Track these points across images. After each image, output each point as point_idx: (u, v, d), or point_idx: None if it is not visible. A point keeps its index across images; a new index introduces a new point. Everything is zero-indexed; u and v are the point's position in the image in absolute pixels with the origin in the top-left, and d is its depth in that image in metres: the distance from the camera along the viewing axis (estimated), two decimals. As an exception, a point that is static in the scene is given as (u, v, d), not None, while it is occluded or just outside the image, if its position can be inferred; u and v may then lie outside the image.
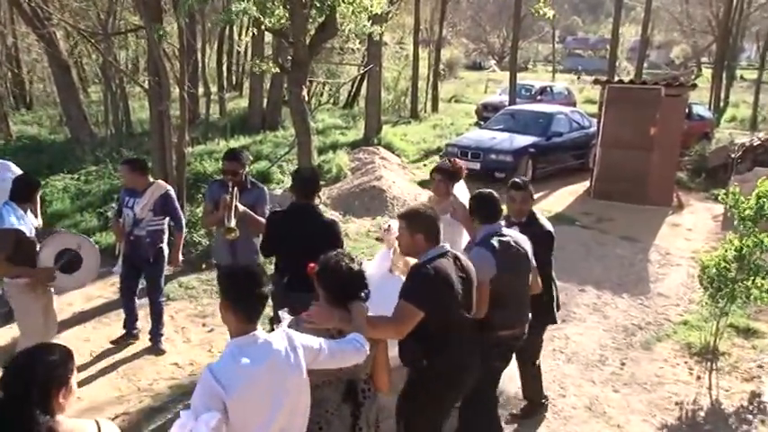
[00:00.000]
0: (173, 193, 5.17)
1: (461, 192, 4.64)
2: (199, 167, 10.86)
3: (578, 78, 36.31)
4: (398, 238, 3.26)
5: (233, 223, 4.28)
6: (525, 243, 3.67)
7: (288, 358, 2.31)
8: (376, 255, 4.51)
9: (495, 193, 3.71)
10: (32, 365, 1.83)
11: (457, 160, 4.72)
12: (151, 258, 5.13)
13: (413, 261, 3.19)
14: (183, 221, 5.38)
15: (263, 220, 4.43)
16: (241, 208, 4.43)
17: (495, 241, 3.48)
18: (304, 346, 2.38)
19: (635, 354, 5.46)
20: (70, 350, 1.96)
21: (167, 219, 5.16)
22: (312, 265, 2.74)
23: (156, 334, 5.35)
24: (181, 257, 5.44)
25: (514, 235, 3.66)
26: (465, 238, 4.20)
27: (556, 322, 4.43)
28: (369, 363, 2.72)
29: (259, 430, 2.25)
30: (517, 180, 4.15)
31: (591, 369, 5.18)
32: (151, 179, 5.15)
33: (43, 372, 1.83)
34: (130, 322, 5.42)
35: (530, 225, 4.02)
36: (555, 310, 4.30)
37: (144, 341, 5.39)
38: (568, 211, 10.15)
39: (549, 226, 4.15)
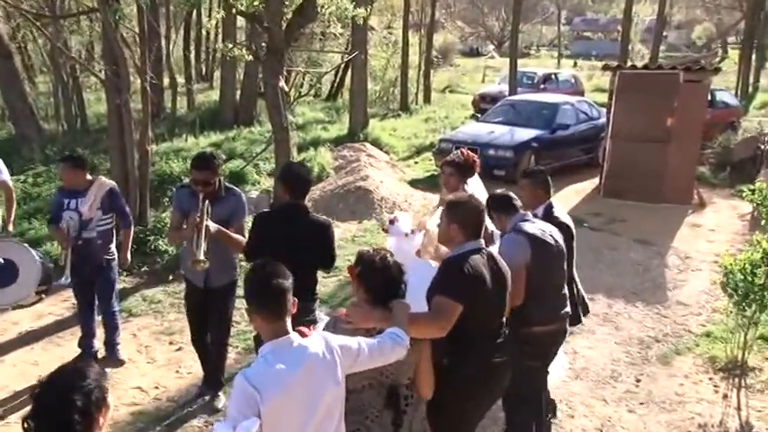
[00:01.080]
0: (117, 188, 5.29)
1: (477, 188, 4.61)
2: (164, 167, 10.81)
3: (575, 65, 36.39)
4: (439, 225, 3.39)
5: (201, 254, 4.10)
6: (556, 233, 3.80)
7: (325, 362, 2.44)
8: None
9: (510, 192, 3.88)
10: (69, 395, 1.89)
11: (470, 153, 4.69)
12: (104, 263, 5.16)
13: (444, 249, 3.36)
14: (131, 218, 5.45)
15: (241, 238, 4.38)
16: (213, 227, 4.24)
17: (527, 226, 3.67)
18: (342, 348, 2.51)
19: (652, 369, 5.49)
20: (101, 368, 2.06)
21: (113, 217, 5.23)
22: (352, 266, 2.89)
23: (112, 343, 5.37)
24: (129, 257, 5.50)
25: (542, 224, 3.80)
26: None
27: (580, 321, 4.52)
28: (411, 367, 2.85)
29: None
30: (527, 169, 4.27)
31: (602, 386, 5.20)
32: (89, 176, 5.20)
33: (82, 398, 1.90)
34: (87, 340, 5.40)
35: (546, 218, 4.09)
36: (579, 309, 4.37)
37: (104, 364, 5.36)
38: (576, 211, 10.19)
39: (567, 218, 4.22)
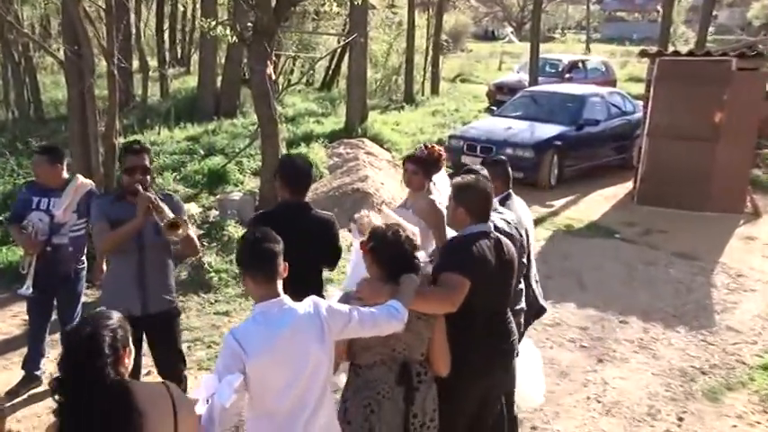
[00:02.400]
0: (96, 189, 5.29)
1: (443, 184, 4.81)
2: (133, 163, 10.80)
3: (586, 49, 36.38)
4: (447, 208, 3.74)
5: (171, 216, 4.09)
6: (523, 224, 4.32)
7: (311, 322, 2.85)
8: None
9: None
10: (99, 330, 2.36)
11: (435, 146, 4.87)
12: (72, 273, 5.17)
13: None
14: None
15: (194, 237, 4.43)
16: (168, 211, 4.15)
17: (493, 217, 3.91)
18: (330, 311, 2.91)
19: (697, 406, 5.44)
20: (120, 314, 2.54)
21: (88, 222, 5.17)
22: (363, 239, 3.26)
23: None
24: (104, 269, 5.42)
25: (509, 215, 4.24)
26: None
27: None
28: (424, 343, 3.22)
29: (278, 394, 2.81)
30: (487, 158, 4.67)
31: (637, 425, 5.16)
32: (66, 174, 5.20)
33: (110, 334, 2.37)
34: (33, 361, 5.36)
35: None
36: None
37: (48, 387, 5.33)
38: (606, 220, 10.18)
39: (522, 212, 4.58)
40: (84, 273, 5.34)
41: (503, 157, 4.79)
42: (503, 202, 4.53)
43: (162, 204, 4.17)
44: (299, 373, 2.82)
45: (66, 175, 5.19)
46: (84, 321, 2.44)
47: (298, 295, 3.71)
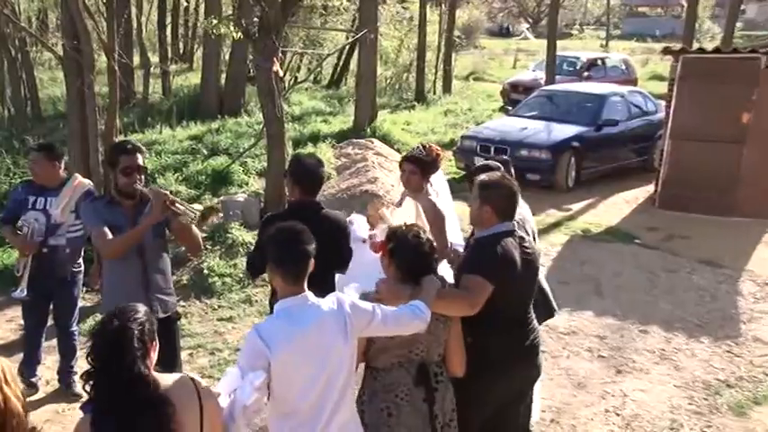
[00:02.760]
0: (94, 190, 5.33)
1: (440, 185, 4.98)
2: (133, 163, 10.84)
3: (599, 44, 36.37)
4: (471, 206, 3.79)
5: (195, 206, 4.23)
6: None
7: (335, 319, 2.96)
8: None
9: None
10: (127, 323, 2.49)
11: (434, 146, 4.94)
12: (68, 276, 5.20)
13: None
14: None
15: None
16: (185, 204, 4.23)
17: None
18: (353, 308, 3.01)
19: (722, 420, 5.41)
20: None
21: None
22: (380, 241, 3.33)
23: (67, 371, 5.37)
24: None
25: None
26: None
27: None
28: (441, 344, 3.35)
29: (301, 391, 2.91)
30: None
31: (660, 440, 5.15)
32: (63, 172, 5.24)
33: (138, 327, 2.50)
34: (30, 368, 5.39)
35: None
36: None
37: (47, 396, 5.36)
38: (626, 224, 10.15)
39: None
40: (81, 276, 5.37)
41: (506, 157, 4.84)
42: None
43: (175, 198, 4.22)
44: (322, 369, 2.92)
45: (63, 174, 5.22)
46: (112, 315, 2.56)
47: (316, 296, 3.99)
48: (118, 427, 2.42)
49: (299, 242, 2.96)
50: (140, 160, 4.24)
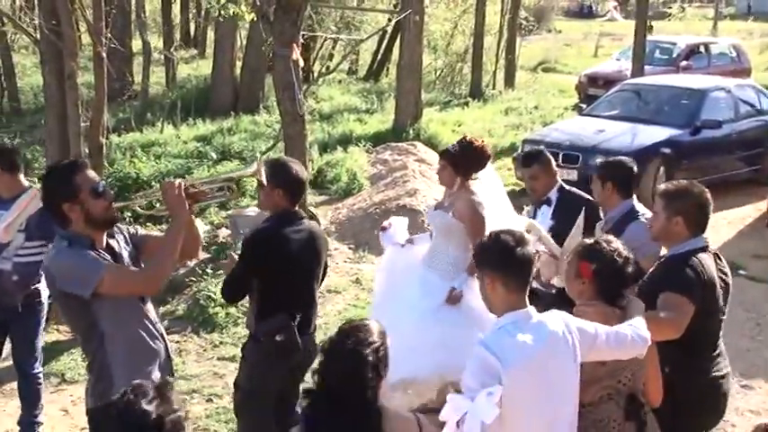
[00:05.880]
0: None
1: (491, 182, 5.69)
2: (128, 168, 11.00)
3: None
4: (652, 221, 4.19)
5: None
6: None
7: (566, 341, 3.15)
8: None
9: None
10: (361, 348, 2.77)
11: (475, 139, 5.59)
12: (20, 306, 5.15)
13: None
14: None
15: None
16: (204, 183, 4.15)
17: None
18: (580, 331, 3.20)
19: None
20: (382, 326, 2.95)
21: (46, 246, 5.12)
22: (585, 264, 3.49)
23: (29, 422, 5.33)
24: None
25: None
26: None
27: None
28: (645, 370, 3.52)
29: (530, 416, 3.10)
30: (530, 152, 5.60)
31: None
32: (24, 182, 5.22)
33: (373, 354, 2.77)
34: None
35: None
36: None
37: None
38: (729, 251, 9.80)
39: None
40: (42, 306, 5.30)
41: (542, 148, 5.76)
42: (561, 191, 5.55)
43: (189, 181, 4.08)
44: (553, 394, 3.14)
45: (24, 182, 5.20)
46: (345, 334, 2.85)
47: (307, 326, 4.48)
48: None
49: (524, 246, 3.17)
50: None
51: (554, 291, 4.91)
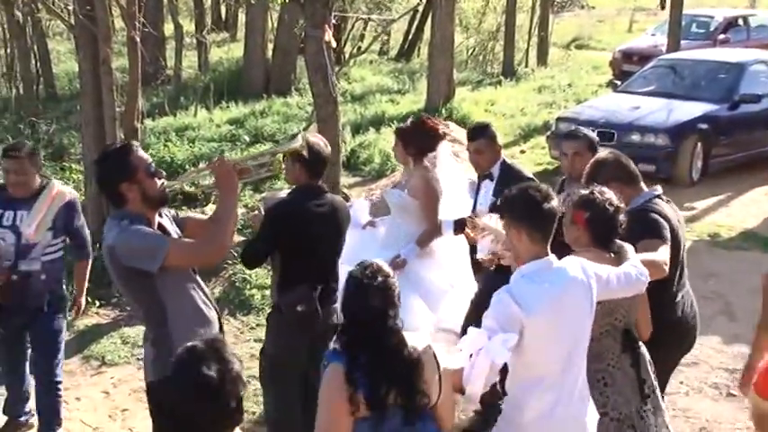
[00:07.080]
0: (77, 200, 5.23)
1: (446, 161, 5.91)
2: (162, 152, 11.11)
3: None
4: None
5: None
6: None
7: (583, 285, 3.46)
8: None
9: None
10: (389, 278, 3.12)
11: (429, 118, 5.88)
12: (45, 306, 5.05)
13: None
14: (90, 246, 5.40)
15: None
16: (246, 161, 4.35)
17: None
18: (596, 274, 3.51)
19: None
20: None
21: (65, 241, 5.21)
22: (579, 212, 3.81)
23: None
24: (84, 302, 5.53)
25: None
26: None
27: None
28: (637, 307, 3.96)
29: (551, 357, 3.43)
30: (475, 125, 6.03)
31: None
32: (38, 179, 5.09)
33: (395, 285, 3.12)
34: (19, 402, 5.39)
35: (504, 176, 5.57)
36: None
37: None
38: (765, 229, 9.82)
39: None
40: (66, 305, 5.29)
41: (489, 122, 6.49)
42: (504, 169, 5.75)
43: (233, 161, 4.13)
44: (571, 335, 3.46)
45: (38, 179, 5.05)
46: (368, 266, 3.13)
47: (330, 298, 4.62)
48: (372, 381, 3.00)
49: (549, 200, 3.40)
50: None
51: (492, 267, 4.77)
